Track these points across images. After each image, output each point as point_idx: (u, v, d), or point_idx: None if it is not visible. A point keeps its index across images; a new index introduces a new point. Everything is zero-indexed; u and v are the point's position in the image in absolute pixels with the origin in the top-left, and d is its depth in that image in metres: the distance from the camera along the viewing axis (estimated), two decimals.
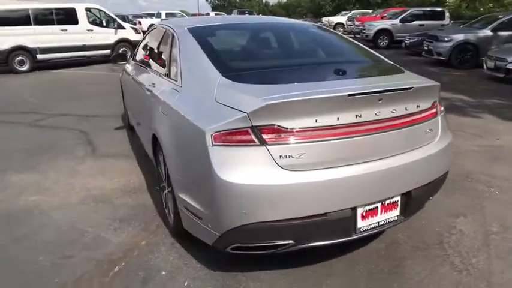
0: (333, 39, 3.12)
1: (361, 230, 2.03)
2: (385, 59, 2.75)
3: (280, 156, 1.78)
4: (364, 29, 16.74)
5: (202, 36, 2.67)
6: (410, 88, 2.00)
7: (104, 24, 11.77)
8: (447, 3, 22.11)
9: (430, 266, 2.33)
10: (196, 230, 2.16)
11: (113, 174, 3.72)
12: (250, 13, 28.56)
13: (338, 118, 1.84)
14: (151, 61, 3.25)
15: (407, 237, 2.61)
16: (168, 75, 2.70)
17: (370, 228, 2.06)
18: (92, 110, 6.21)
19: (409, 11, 16.04)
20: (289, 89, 1.87)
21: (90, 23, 11.37)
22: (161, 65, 2.99)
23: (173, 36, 2.83)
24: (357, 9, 34.98)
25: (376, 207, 2.04)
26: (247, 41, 3.00)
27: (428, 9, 16.65)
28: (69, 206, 3.10)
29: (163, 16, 25.11)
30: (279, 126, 1.77)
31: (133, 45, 12.21)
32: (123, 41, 11.95)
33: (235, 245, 1.94)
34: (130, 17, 18.19)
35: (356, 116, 1.87)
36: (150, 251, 2.47)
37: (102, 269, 2.30)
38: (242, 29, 3.12)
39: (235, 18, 3.54)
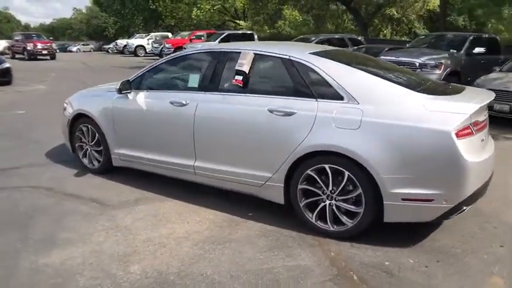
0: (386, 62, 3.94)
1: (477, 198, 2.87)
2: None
3: (478, 140, 2.62)
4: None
5: (343, 60, 3.13)
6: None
7: None
8: (240, 27, 25.72)
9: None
10: (411, 215, 2.66)
11: (176, 218, 3.28)
12: (39, 36, 24.80)
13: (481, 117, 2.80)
14: (249, 87, 3.20)
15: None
16: (312, 96, 2.89)
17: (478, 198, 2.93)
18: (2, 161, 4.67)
19: (225, 33, 18.01)
20: (466, 98, 2.82)
21: None
22: (285, 89, 3.09)
23: (293, 61, 3.02)
24: (144, 31, 35.54)
25: None
26: (367, 64, 3.42)
27: (240, 32, 19.15)
28: (195, 258, 2.69)
29: None
30: (475, 121, 2.63)
31: None
32: None
33: (461, 210, 2.62)
34: None
35: (483, 115, 2.85)
36: (351, 259, 2.65)
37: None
38: (342, 54, 3.58)
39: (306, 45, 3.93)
